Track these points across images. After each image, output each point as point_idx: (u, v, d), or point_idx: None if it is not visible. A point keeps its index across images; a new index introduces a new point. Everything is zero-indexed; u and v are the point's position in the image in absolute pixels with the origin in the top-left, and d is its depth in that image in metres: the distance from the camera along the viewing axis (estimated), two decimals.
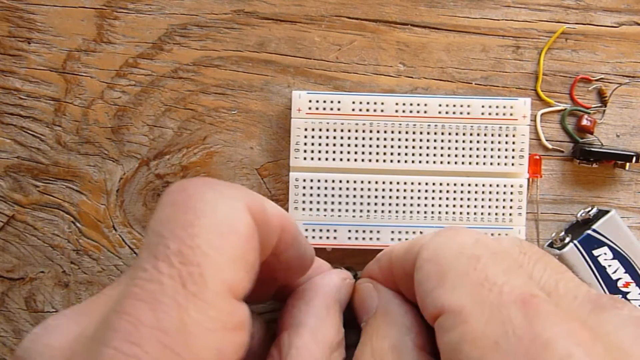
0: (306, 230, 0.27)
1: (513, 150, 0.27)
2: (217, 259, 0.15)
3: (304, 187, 0.27)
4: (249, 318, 0.15)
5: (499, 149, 0.27)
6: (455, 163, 0.27)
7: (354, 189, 0.27)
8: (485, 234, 0.18)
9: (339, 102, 0.27)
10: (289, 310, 0.21)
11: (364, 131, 0.27)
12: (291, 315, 0.21)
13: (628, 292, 0.27)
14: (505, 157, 0.27)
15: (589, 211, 0.28)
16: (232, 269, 0.15)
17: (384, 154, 0.27)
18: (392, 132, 0.27)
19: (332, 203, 0.27)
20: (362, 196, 0.27)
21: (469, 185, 0.27)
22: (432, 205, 0.27)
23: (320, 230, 0.27)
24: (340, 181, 0.27)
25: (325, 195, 0.27)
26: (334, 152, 0.27)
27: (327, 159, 0.27)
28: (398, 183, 0.27)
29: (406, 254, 0.19)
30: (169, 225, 0.15)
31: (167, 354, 0.13)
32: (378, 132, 0.27)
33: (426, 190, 0.27)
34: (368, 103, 0.27)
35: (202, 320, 0.14)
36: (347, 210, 0.27)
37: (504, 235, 0.27)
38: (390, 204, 0.27)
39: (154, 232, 0.15)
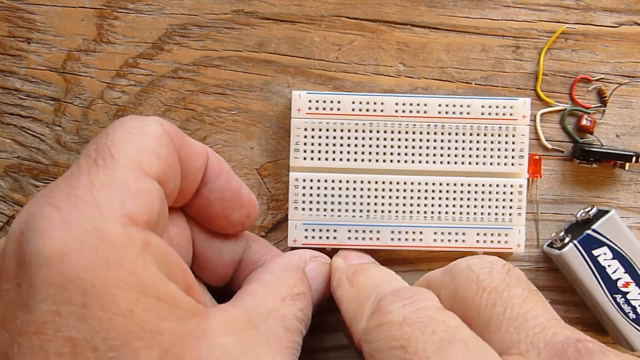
0: (306, 230, 0.27)
1: (513, 150, 0.27)
2: (126, 147, 0.17)
3: (304, 187, 0.27)
4: (159, 190, 0.17)
5: (498, 149, 0.27)
6: (455, 163, 0.27)
7: (354, 189, 0.27)
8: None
9: (339, 102, 0.27)
10: (249, 275, 0.22)
11: (364, 131, 0.27)
12: (248, 277, 0.22)
13: (628, 292, 0.27)
14: (505, 157, 0.27)
15: (589, 211, 0.28)
16: (141, 153, 0.17)
17: (384, 154, 0.27)
18: (392, 132, 0.27)
19: (332, 203, 0.27)
20: (362, 196, 0.27)
21: (469, 185, 0.27)
22: (432, 205, 0.27)
23: (320, 230, 0.27)
24: (340, 181, 0.27)
25: (325, 195, 0.27)
26: (334, 152, 0.27)
27: (327, 159, 0.27)
28: (398, 183, 0.27)
29: (333, 294, 0.22)
30: (93, 139, 0.18)
31: (74, 203, 0.15)
32: (378, 132, 0.27)
33: (426, 190, 0.27)
34: (368, 103, 0.27)
35: (107, 181, 0.16)
36: (347, 210, 0.27)
37: (504, 235, 0.27)
38: (390, 204, 0.27)
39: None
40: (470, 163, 0.27)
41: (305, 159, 0.27)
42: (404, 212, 0.27)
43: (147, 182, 0.17)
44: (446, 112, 0.27)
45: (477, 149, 0.27)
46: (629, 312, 0.27)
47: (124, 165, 0.17)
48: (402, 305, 0.17)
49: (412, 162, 0.27)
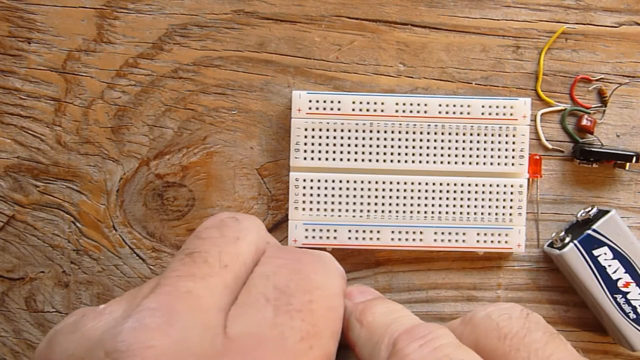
0: (306, 230, 0.27)
1: (513, 150, 0.27)
2: (325, 329, 0.17)
3: (304, 187, 0.27)
4: None
5: (499, 149, 0.27)
6: (455, 163, 0.27)
7: (354, 189, 0.27)
8: None
9: (339, 102, 0.27)
10: None
11: (364, 131, 0.27)
12: None
13: (628, 292, 0.27)
14: (505, 157, 0.27)
15: (589, 211, 0.28)
16: (332, 342, 0.17)
17: (384, 154, 0.27)
18: (392, 132, 0.27)
19: (332, 203, 0.27)
20: (362, 196, 0.27)
21: (469, 185, 0.27)
22: (432, 205, 0.27)
23: (320, 230, 0.27)
24: (340, 181, 0.27)
25: (325, 195, 0.27)
26: (334, 152, 0.27)
27: (327, 159, 0.27)
28: (398, 183, 0.27)
29: (345, 334, 0.21)
30: (290, 285, 0.17)
31: None
32: (378, 132, 0.27)
33: (426, 190, 0.27)
34: (368, 103, 0.27)
35: None
36: (347, 210, 0.27)
37: (505, 235, 0.27)
38: (390, 204, 0.27)
39: (273, 286, 0.17)
40: (470, 163, 0.27)
41: (305, 159, 0.27)
42: (404, 212, 0.27)
43: None
44: (446, 112, 0.27)
45: (478, 149, 0.27)
46: (629, 312, 0.27)
47: (320, 355, 0.17)
48: (418, 346, 0.17)
49: (412, 162, 0.27)
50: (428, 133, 0.27)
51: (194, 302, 0.16)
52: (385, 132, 0.27)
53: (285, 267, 0.18)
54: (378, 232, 0.27)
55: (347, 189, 0.27)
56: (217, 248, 0.18)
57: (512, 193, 0.27)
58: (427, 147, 0.27)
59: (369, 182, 0.27)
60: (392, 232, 0.27)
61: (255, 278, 0.17)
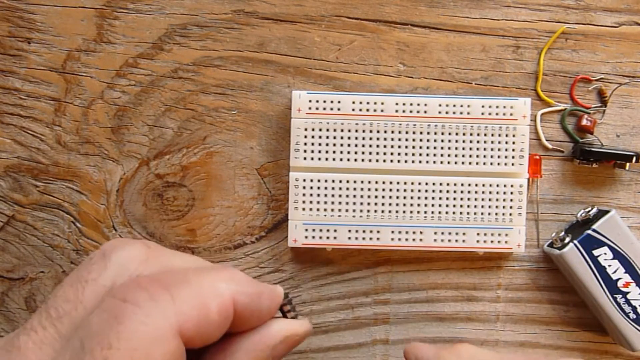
0: (306, 230, 0.27)
1: (513, 150, 0.27)
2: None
3: (304, 187, 0.27)
4: None
5: (499, 149, 0.27)
6: (455, 163, 0.27)
7: (354, 189, 0.27)
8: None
9: (339, 102, 0.27)
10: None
11: (364, 131, 0.27)
12: None
13: (628, 292, 0.27)
14: (505, 157, 0.27)
15: (589, 211, 0.28)
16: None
17: (384, 154, 0.27)
18: (392, 132, 0.27)
19: (332, 203, 0.27)
20: (362, 196, 0.27)
21: (469, 185, 0.27)
22: (432, 205, 0.27)
23: (320, 230, 0.27)
24: (340, 181, 0.27)
25: (325, 195, 0.27)
26: (334, 152, 0.27)
27: (327, 159, 0.27)
28: (398, 183, 0.27)
29: None
30: (97, 336, 0.15)
31: None
32: (378, 132, 0.27)
33: (426, 190, 0.27)
34: (368, 103, 0.27)
35: None
36: (347, 210, 0.27)
37: (505, 235, 0.27)
38: (390, 204, 0.27)
39: (81, 337, 0.16)
40: (470, 163, 0.27)
41: (305, 159, 0.27)
42: (404, 212, 0.27)
43: None
44: (446, 112, 0.27)
45: (477, 149, 0.27)
46: (629, 312, 0.27)
47: None
48: None
49: (412, 162, 0.27)
50: (428, 133, 0.27)
51: None
52: (385, 132, 0.27)
53: (105, 312, 0.16)
54: (378, 232, 0.27)
55: (347, 189, 0.27)
56: (64, 294, 0.17)
57: (512, 193, 0.27)
58: (427, 147, 0.27)
59: (369, 182, 0.27)
60: (392, 232, 0.27)
61: (79, 326, 0.16)
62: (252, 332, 0.20)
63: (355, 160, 0.27)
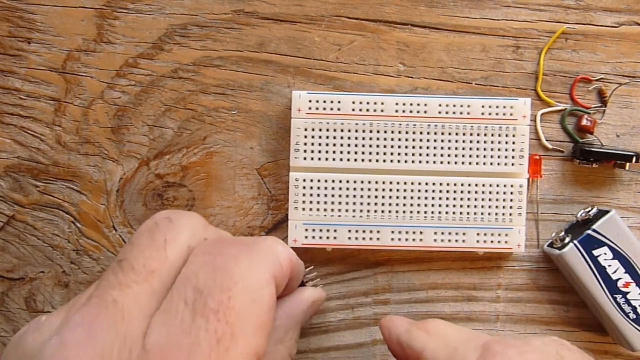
0: (306, 230, 0.27)
1: (513, 150, 0.27)
2: (248, 324, 0.17)
3: (304, 187, 0.27)
4: None
5: (499, 149, 0.27)
6: (455, 163, 0.27)
7: (354, 189, 0.27)
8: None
9: (339, 102, 0.27)
10: None
11: (364, 131, 0.27)
12: None
13: (628, 292, 0.27)
14: (505, 157, 0.27)
15: (589, 211, 0.28)
16: (258, 335, 0.17)
17: (384, 154, 0.27)
18: (392, 132, 0.27)
19: (332, 203, 0.27)
20: (362, 196, 0.27)
21: (469, 185, 0.27)
22: (432, 205, 0.27)
23: (320, 230, 0.27)
24: (340, 181, 0.27)
25: (325, 195, 0.27)
26: (334, 152, 0.27)
27: (327, 159, 0.27)
28: (398, 183, 0.27)
29: (407, 348, 0.22)
30: (208, 284, 0.17)
31: None
32: (378, 132, 0.27)
33: (426, 190, 0.27)
34: (368, 103, 0.27)
35: None
36: (347, 210, 0.27)
37: (505, 235, 0.27)
38: (390, 204, 0.27)
39: (193, 288, 0.17)
40: (470, 163, 0.27)
41: (305, 159, 0.27)
42: (404, 212, 0.27)
43: None
44: (446, 112, 0.27)
45: (477, 149, 0.27)
46: (629, 312, 0.27)
47: (243, 353, 0.16)
48: (517, 353, 0.19)
49: (412, 162, 0.27)
50: (428, 133, 0.27)
51: (118, 313, 0.16)
52: (385, 132, 0.27)
53: (207, 265, 0.17)
54: (378, 232, 0.27)
55: (347, 189, 0.27)
56: (144, 253, 0.18)
57: (512, 193, 0.27)
58: (427, 147, 0.27)
59: (369, 182, 0.27)
60: (392, 232, 0.27)
61: (178, 281, 0.17)
62: (288, 297, 0.23)
63: (355, 160, 0.27)
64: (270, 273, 0.18)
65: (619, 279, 0.27)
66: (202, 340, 0.16)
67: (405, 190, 0.27)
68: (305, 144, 0.27)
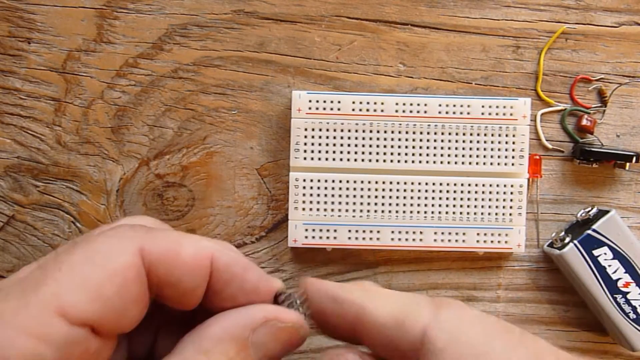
0: (306, 230, 0.27)
1: (513, 150, 0.27)
2: (64, 279, 0.16)
3: (304, 187, 0.27)
4: (65, 341, 0.15)
5: (499, 149, 0.27)
6: (455, 163, 0.27)
7: (354, 189, 0.27)
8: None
9: (339, 102, 0.27)
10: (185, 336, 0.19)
11: (364, 131, 0.27)
12: (178, 344, 0.19)
13: (628, 292, 0.27)
14: (505, 157, 0.27)
15: (589, 211, 0.28)
16: (75, 293, 0.15)
17: (384, 154, 0.27)
18: (392, 132, 0.27)
19: (332, 203, 0.27)
20: (362, 196, 0.27)
21: (469, 185, 0.27)
22: (432, 205, 0.27)
23: (320, 230, 0.27)
24: (340, 181, 0.27)
25: (325, 195, 0.27)
26: (334, 152, 0.27)
27: (327, 159, 0.27)
28: (398, 183, 0.27)
29: (398, 329, 0.18)
30: (57, 250, 0.17)
31: None
32: (378, 132, 0.27)
33: (426, 190, 0.27)
34: (368, 103, 0.27)
35: (12, 317, 0.15)
36: (347, 210, 0.27)
37: (505, 235, 0.27)
38: (390, 204, 0.27)
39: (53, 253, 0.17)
40: (470, 163, 0.27)
41: (305, 159, 0.27)
42: (404, 212, 0.27)
43: (54, 330, 0.15)
44: (446, 112, 0.27)
45: (477, 149, 0.27)
46: (629, 312, 0.27)
47: (41, 301, 0.15)
48: (464, 304, 0.19)
49: (412, 162, 0.27)
50: (428, 133, 0.27)
51: None
52: (385, 132, 0.27)
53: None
54: (378, 232, 0.27)
55: (347, 189, 0.27)
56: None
57: (512, 193, 0.27)
58: (427, 147, 0.27)
59: (369, 182, 0.27)
60: (392, 232, 0.27)
61: None
62: (233, 309, 0.19)
63: (355, 160, 0.27)
64: (138, 245, 0.17)
65: (619, 279, 0.27)
66: (27, 275, 0.16)
67: (405, 190, 0.27)
68: (305, 144, 0.27)
